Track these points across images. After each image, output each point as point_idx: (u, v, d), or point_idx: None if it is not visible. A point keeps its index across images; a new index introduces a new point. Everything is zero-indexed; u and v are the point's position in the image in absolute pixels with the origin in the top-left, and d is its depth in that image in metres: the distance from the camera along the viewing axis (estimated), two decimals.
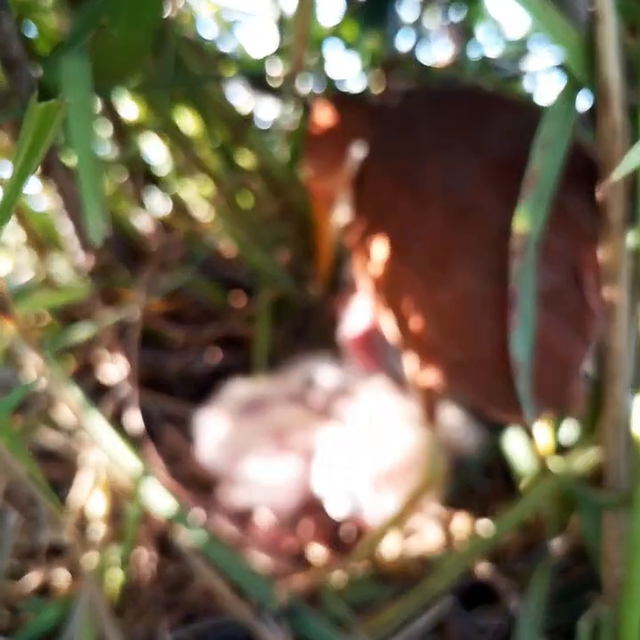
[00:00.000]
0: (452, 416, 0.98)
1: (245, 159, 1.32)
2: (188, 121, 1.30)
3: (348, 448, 1.00)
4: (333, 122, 0.93)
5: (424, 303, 0.72)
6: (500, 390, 0.66)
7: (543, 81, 1.40)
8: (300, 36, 1.07)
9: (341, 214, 1.00)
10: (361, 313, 1.04)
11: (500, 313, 0.64)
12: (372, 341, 1.05)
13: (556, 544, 0.79)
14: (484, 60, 1.14)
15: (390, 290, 0.77)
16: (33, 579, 0.92)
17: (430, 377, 0.74)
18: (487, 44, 1.23)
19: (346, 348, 1.11)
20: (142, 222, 1.47)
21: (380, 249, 0.77)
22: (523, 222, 0.61)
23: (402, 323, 0.77)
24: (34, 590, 0.90)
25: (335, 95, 0.95)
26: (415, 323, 0.74)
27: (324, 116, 0.96)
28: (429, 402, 0.86)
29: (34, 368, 0.87)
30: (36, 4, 1.21)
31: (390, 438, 1.00)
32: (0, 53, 1.01)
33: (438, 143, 0.74)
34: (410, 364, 0.78)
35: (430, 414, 0.87)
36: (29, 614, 0.82)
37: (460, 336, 0.70)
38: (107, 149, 1.45)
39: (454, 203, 0.69)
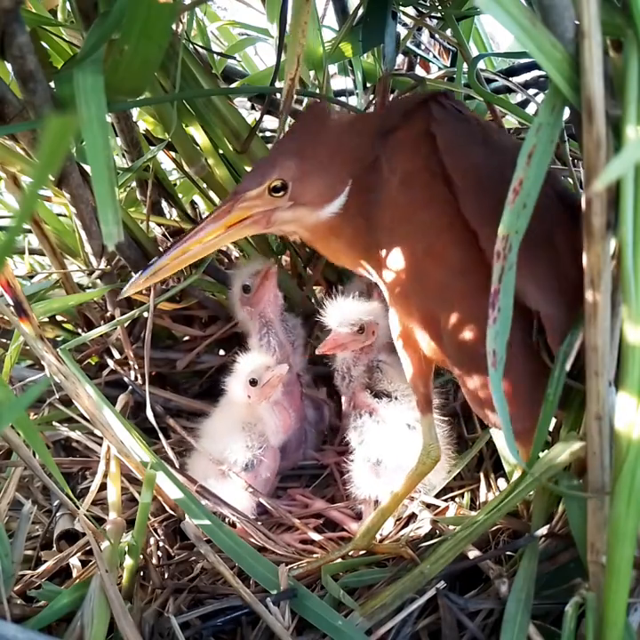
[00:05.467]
0: None
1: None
2: (196, 131, 1.30)
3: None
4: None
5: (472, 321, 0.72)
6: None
7: (531, 93, 1.40)
8: (295, 53, 1.07)
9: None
10: None
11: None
12: None
13: (543, 532, 0.79)
14: (476, 74, 1.14)
15: (437, 304, 0.76)
16: (47, 567, 0.91)
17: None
18: (478, 58, 1.23)
19: None
20: (153, 228, 1.47)
21: (428, 263, 0.77)
22: (506, 226, 0.61)
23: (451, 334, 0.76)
24: (48, 578, 0.90)
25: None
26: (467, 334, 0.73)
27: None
28: (426, 393, 0.86)
29: (50, 366, 0.87)
30: (49, 19, 1.21)
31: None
32: (15, 66, 1.01)
33: (494, 173, 0.72)
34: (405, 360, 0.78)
35: (426, 405, 0.87)
36: (43, 601, 0.81)
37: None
38: (119, 159, 1.45)
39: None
